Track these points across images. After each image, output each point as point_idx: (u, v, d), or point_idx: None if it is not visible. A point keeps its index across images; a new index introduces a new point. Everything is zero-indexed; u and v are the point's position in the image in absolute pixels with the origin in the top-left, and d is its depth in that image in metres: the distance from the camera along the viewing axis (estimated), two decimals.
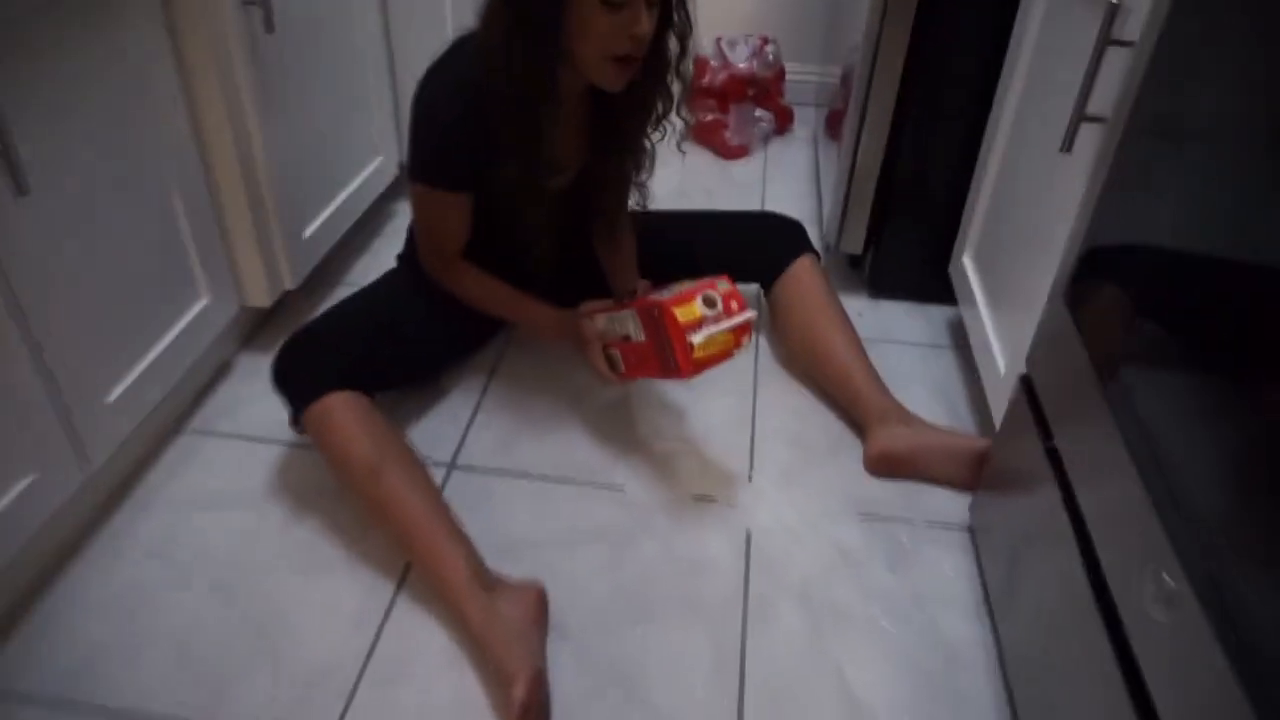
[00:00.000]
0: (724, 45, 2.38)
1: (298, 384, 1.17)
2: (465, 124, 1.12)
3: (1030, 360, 1.07)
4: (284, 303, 1.55)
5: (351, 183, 1.67)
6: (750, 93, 2.32)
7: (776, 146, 2.39)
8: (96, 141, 1.08)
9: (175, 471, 1.30)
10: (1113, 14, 0.92)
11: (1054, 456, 0.95)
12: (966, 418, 1.46)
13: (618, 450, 1.37)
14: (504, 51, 1.05)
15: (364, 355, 1.23)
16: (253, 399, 1.41)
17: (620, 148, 1.26)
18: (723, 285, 1.15)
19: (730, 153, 2.28)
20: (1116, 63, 0.92)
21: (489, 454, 1.35)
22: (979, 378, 1.34)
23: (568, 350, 1.38)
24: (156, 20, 1.15)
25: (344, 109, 1.61)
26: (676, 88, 1.22)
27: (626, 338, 1.22)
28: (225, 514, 1.23)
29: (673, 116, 1.26)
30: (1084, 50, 0.97)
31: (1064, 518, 0.89)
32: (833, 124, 1.87)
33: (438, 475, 1.30)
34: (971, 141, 1.48)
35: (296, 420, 1.19)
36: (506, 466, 1.33)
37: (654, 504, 1.28)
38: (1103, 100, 0.95)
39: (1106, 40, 0.93)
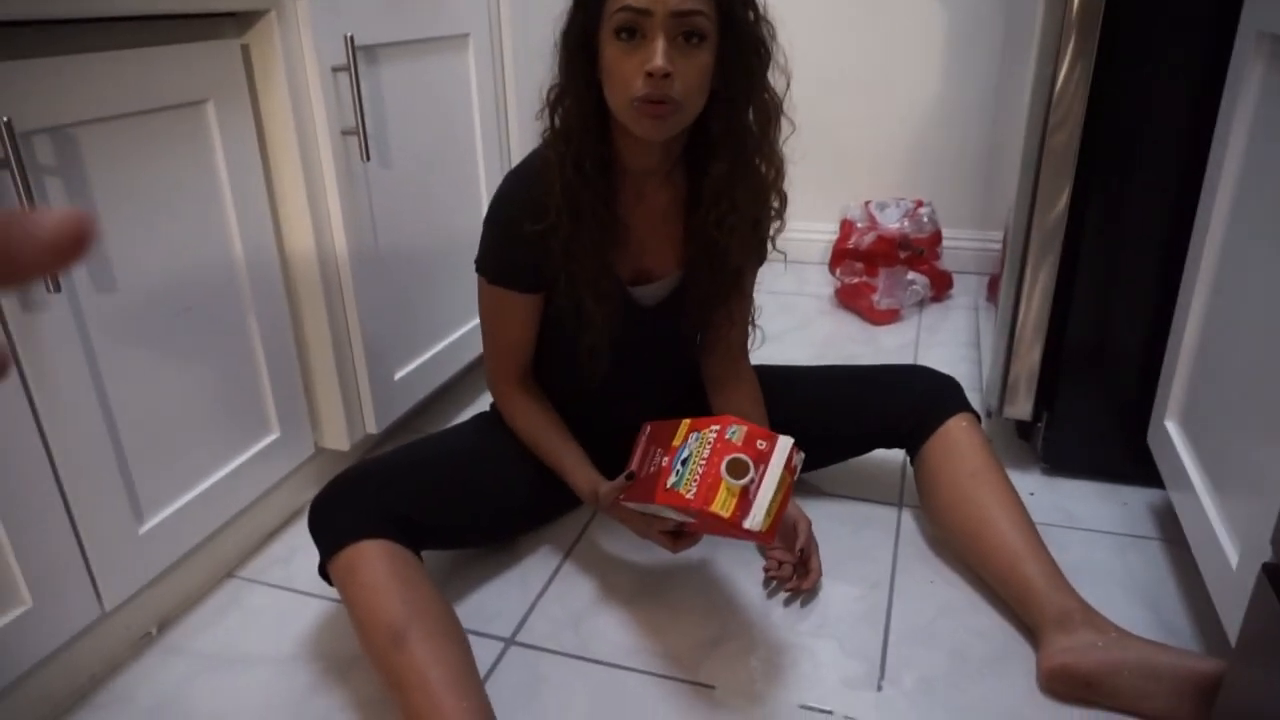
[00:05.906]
0: (872, 208, 2.23)
1: (329, 525, 1.02)
2: (527, 213, 1.02)
3: (1278, 541, 0.76)
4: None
5: (456, 330, 1.58)
6: (902, 255, 2.13)
7: (933, 313, 2.15)
8: (175, 245, 1.04)
9: (212, 620, 1.16)
10: None
11: None
12: (1184, 630, 1.09)
13: (711, 639, 1.10)
14: (557, 113, 1.00)
15: (417, 501, 1.06)
16: (310, 547, 1.26)
17: (712, 252, 1.08)
18: (733, 431, 0.89)
19: (878, 317, 2.07)
20: None
21: (556, 630, 1.12)
22: (1199, 578, 1.00)
23: None
24: (249, 138, 1.12)
25: (449, 252, 1.52)
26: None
27: (677, 522, 0.99)
28: (245, 675, 1.06)
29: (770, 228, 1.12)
30: None
31: None
32: (994, 289, 1.64)
33: (492, 652, 1.08)
34: (1166, 277, 1.21)
35: (324, 567, 1.02)
36: (572, 649, 1.09)
37: (751, 710, 0.99)
38: None
39: None
